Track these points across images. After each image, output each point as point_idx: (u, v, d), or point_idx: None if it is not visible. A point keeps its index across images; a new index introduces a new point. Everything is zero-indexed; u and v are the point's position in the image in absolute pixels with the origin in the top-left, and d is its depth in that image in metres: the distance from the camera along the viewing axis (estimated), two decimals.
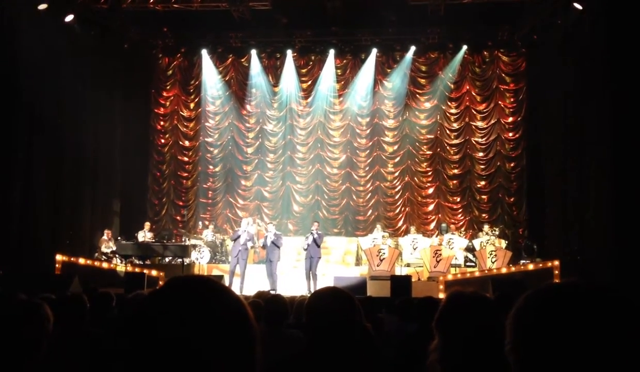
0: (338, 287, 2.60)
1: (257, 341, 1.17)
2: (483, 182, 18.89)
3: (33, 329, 2.20)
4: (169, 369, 1.08)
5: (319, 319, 2.36)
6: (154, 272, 14.04)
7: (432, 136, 19.23)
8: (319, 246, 14.21)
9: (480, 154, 18.96)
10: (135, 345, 1.11)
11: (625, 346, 1.01)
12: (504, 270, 14.18)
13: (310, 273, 14.02)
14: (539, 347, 1.06)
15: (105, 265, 15.08)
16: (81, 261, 14.57)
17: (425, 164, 19.28)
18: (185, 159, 20.06)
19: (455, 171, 19.08)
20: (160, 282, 13.53)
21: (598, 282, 1.11)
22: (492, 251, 15.05)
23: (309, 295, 10.97)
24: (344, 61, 19.65)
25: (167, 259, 16.31)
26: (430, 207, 19.18)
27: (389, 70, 19.37)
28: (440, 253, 14.86)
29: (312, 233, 14.27)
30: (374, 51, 18.98)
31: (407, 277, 13.32)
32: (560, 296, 1.10)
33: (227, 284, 13.14)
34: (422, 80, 19.41)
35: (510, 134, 18.80)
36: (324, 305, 2.39)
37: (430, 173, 19.25)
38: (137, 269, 14.33)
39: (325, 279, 14.46)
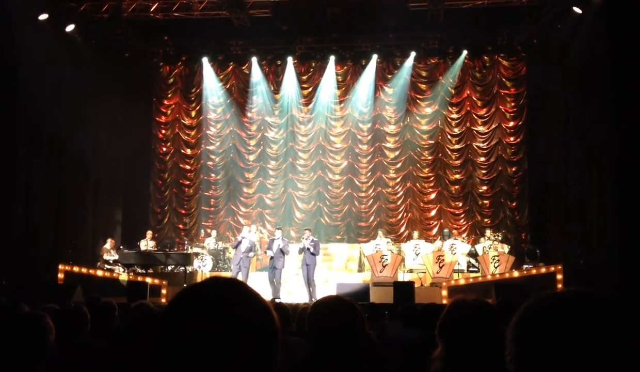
0: (340, 296, 2.60)
1: (280, 348, 1.18)
2: (485, 187, 18.87)
3: (35, 340, 2.20)
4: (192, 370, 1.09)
5: (321, 328, 2.36)
6: (156, 281, 14.02)
7: (433, 141, 19.22)
8: (313, 255, 14.08)
9: (482, 159, 18.95)
10: (161, 346, 1.12)
11: (627, 356, 1.00)
12: (506, 275, 14.15)
13: (308, 280, 13.95)
14: (539, 359, 1.05)
15: (107, 274, 15.06)
16: (84, 270, 14.56)
17: (427, 169, 19.28)
18: (187, 167, 20.07)
19: (457, 176, 19.07)
20: (163, 291, 13.55)
21: (600, 290, 1.09)
22: (494, 256, 15.02)
23: (310, 303, 10.94)
24: (345, 67, 19.67)
25: (169, 268, 16.30)
26: (433, 213, 19.17)
27: (389, 76, 19.38)
28: (442, 259, 14.84)
29: (304, 245, 14.09)
30: (374, 57, 19.01)
31: (410, 283, 13.31)
32: (561, 306, 1.08)
33: None
34: (423, 86, 19.42)
35: (512, 139, 18.79)
36: (326, 314, 2.39)
37: (432, 178, 19.24)
38: (139, 278, 14.32)
39: (328, 286, 14.45)
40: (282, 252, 13.91)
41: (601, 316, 1.04)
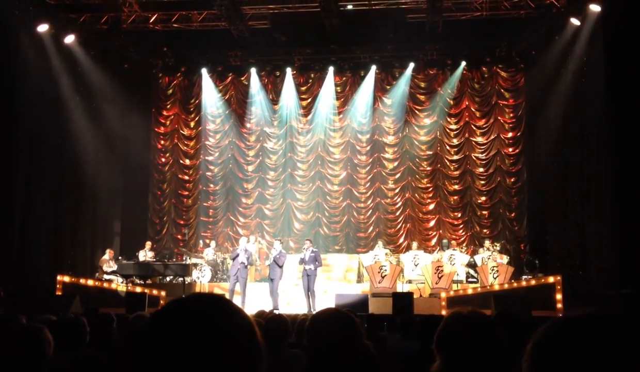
0: (339, 309, 2.60)
1: (263, 363, 1.17)
2: (484, 198, 18.88)
3: (33, 353, 2.19)
4: None
5: (320, 341, 2.35)
6: (155, 292, 13.99)
7: (432, 152, 19.24)
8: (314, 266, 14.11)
9: (481, 170, 18.96)
10: (142, 362, 1.12)
11: None
12: (506, 286, 14.12)
13: (308, 291, 13.92)
14: None
15: (106, 285, 15.02)
16: (82, 281, 14.52)
17: (425, 180, 19.29)
18: (186, 177, 20.07)
19: (456, 187, 19.07)
20: (162, 302, 13.50)
21: (617, 313, 1.05)
22: (493, 266, 14.99)
23: (309, 313, 10.90)
24: (344, 78, 19.72)
25: (168, 278, 16.26)
26: (431, 223, 19.16)
27: (388, 87, 19.44)
28: (441, 269, 14.81)
29: (305, 255, 14.13)
30: (373, 68, 19.05)
31: (409, 294, 13.28)
32: (580, 331, 1.05)
33: None
34: (422, 97, 19.47)
35: (510, 150, 18.81)
36: (324, 327, 2.38)
37: (430, 189, 19.25)
38: (138, 289, 14.28)
39: (327, 297, 14.41)
40: (276, 263, 13.89)
41: (623, 342, 1.01)
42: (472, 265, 16.40)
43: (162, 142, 20.15)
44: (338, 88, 19.65)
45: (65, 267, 15.43)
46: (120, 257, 16.52)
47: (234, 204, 19.78)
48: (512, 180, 18.74)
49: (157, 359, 1.10)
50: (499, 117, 18.94)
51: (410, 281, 15.96)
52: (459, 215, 19.00)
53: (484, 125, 19.04)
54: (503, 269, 14.92)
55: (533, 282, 14.18)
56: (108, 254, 16.43)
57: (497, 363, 2.02)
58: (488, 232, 18.43)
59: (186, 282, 15.32)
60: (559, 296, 13.16)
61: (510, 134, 18.87)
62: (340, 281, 17.11)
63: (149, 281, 15.61)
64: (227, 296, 13.51)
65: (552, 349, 1.05)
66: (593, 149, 14.66)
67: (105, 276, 15.87)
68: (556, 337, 1.07)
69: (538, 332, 1.10)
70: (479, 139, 19.04)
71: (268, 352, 1.20)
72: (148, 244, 17.23)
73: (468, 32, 17.05)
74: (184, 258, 16.95)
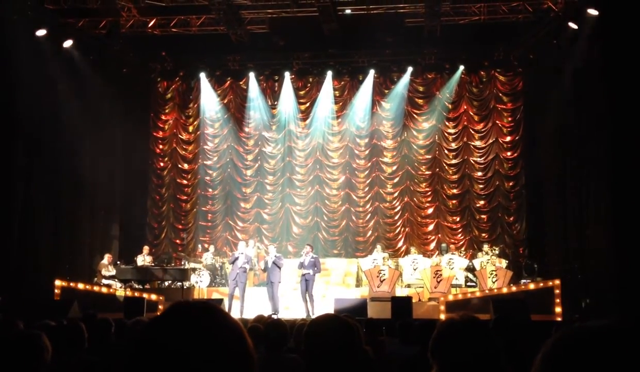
0: (337, 315, 2.59)
1: (254, 368, 1.17)
2: (482, 202, 18.87)
3: (31, 359, 2.19)
4: None
5: (318, 347, 2.35)
6: (153, 297, 13.96)
7: (430, 156, 19.24)
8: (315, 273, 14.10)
9: (479, 174, 18.96)
10: (135, 369, 1.11)
11: None
12: (504, 290, 14.12)
13: (306, 295, 13.90)
14: None
15: (104, 290, 15.00)
16: (80, 286, 14.50)
17: (424, 184, 19.28)
18: (185, 182, 20.05)
19: (455, 191, 19.07)
20: (160, 307, 13.50)
21: (632, 323, 1.00)
22: (492, 270, 14.99)
23: (308, 318, 10.87)
24: (342, 83, 19.72)
25: (166, 283, 16.24)
26: (430, 227, 19.14)
27: (386, 91, 19.44)
28: (440, 273, 14.80)
29: (304, 260, 14.12)
30: (372, 72, 19.05)
31: (408, 298, 13.27)
32: (593, 343, 1.00)
33: (226, 307, 13.10)
34: (420, 101, 19.47)
35: (509, 153, 18.82)
36: (322, 333, 2.38)
37: (429, 193, 19.23)
38: (136, 294, 14.26)
39: (326, 301, 14.40)
40: (276, 265, 13.87)
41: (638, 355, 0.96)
42: (470, 269, 16.38)
43: (161, 146, 20.13)
44: (336, 92, 19.64)
45: (63, 272, 15.41)
46: (118, 262, 16.50)
47: (232, 209, 19.75)
48: (511, 184, 18.74)
49: (147, 368, 1.10)
50: (497, 121, 18.95)
51: (409, 285, 15.97)
52: (458, 219, 18.99)
53: (483, 129, 19.04)
54: (502, 273, 14.93)
55: (532, 286, 14.18)
56: (107, 259, 16.39)
57: (492, 367, 2.02)
58: (487, 236, 18.41)
59: (185, 287, 15.30)
60: (557, 300, 13.17)
61: (508, 138, 18.88)
62: (339, 285, 17.10)
63: (147, 286, 15.58)
64: (226, 301, 13.59)
65: (563, 362, 1.01)
66: (592, 152, 14.67)
67: (104, 281, 15.84)
68: (567, 349, 1.02)
69: (548, 343, 1.06)
70: (478, 143, 19.04)
71: (267, 357, 1.20)
72: (146, 248, 17.21)
73: (466, 37, 17.06)
74: (182, 263, 16.92)
